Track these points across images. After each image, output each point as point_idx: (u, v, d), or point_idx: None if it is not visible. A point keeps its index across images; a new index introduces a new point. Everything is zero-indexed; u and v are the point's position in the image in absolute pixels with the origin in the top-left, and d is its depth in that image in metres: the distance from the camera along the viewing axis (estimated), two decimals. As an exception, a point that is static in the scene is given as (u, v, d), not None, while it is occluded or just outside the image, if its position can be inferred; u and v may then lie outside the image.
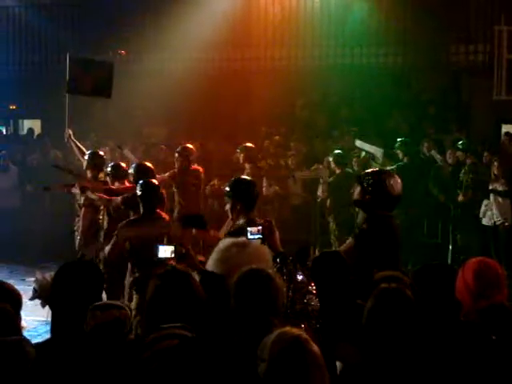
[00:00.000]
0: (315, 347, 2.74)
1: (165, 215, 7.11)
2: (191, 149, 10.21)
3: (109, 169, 9.10)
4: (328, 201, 10.96)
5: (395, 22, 13.33)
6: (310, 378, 2.65)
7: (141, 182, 7.06)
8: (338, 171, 10.94)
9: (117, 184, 8.81)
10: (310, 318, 3.86)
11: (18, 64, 16.07)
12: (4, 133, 17.28)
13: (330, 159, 11.12)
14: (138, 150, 13.50)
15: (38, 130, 16.80)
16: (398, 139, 11.25)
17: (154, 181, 7.23)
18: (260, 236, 4.93)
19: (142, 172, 7.97)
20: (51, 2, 16.39)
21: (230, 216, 5.74)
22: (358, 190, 5.43)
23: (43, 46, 15.98)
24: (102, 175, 9.44)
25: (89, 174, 9.25)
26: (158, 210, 6.97)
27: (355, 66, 13.80)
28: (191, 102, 13.74)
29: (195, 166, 10.31)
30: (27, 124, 17.71)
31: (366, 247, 5.08)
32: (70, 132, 9.85)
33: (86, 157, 9.41)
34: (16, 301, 3.56)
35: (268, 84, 13.73)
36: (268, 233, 5.16)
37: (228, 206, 5.77)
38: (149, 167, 8.19)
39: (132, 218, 7.10)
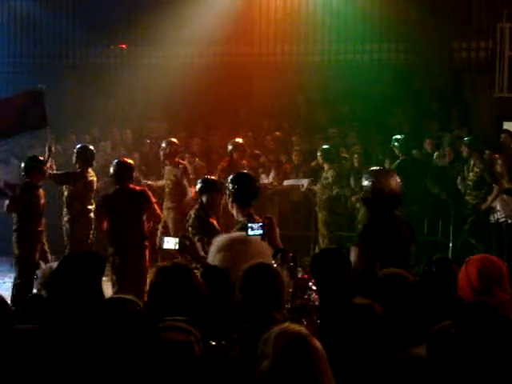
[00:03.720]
0: (318, 343, 2.74)
1: None
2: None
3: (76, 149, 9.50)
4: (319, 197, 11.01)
5: (398, 19, 13.30)
6: (314, 373, 2.65)
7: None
8: (326, 167, 10.92)
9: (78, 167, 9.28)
10: (310, 314, 3.85)
11: (20, 57, 16.05)
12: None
13: (318, 154, 11.06)
14: (139, 144, 13.53)
15: (38, 123, 16.79)
16: (394, 137, 11.21)
17: None
18: (260, 232, 4.93)
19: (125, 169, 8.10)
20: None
21: (233, 212, 5.76)
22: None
23: (44, 39, 15.96)
24: (90, 170, 9.51)
25: (78, 167, 9.41)
26: None
27: (357, 62, 13.79)
28: (192, 96, 13.73)
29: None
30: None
31: (367, 244, 5.08)
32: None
33: (76, 150, 9.54)
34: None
35: (269, 79, 13.72)
36: (268, 229, 5.17)
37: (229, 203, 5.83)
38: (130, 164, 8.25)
39: None
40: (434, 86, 13.58)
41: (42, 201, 8.69)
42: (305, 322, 3.71)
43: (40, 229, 8.66)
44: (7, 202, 8.67)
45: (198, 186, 6.78)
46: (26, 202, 8.48)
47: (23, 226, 8.48)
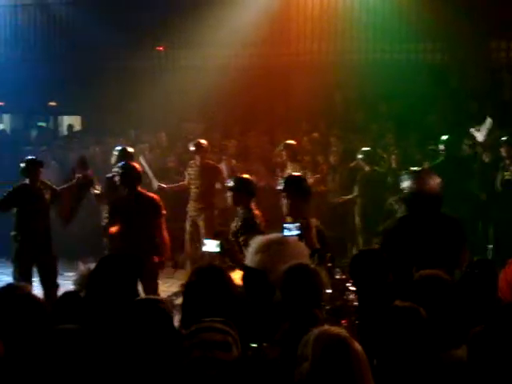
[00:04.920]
0: (357, 345, 2.72)
1: None
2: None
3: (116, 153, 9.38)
4: (358, 198, 10.98)
5: (434, 18, 13.18)
6: (354, 375, 2.63)
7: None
8: (367, 168, 10.91)
9: None
10: (349, 315, 3.84)
11: (57, 61, 16.24)
12: (44, 129, 17.51)
13: (359, 156, 11.08)
14: (175, 146, 13.60)
15: (77, 126, 16.98)
16: (442, 137, 11.11)
17: None
18: (298, 232, 4.94)
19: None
20: (90, -1, 16.59)
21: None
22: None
23: (82, 43, 16.12)
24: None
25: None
26: None
27: (394, 62, 13.71)
28: (229, 97, 13.76)
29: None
30: (67, 120, 17.92)
31: (391, 245, 5.04)
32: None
33: (115, 152, 9.50)
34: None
35: (306, 79, 13.68)
36: (304, 230, 5.16)
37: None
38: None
39: None
40: (471, 85, 13.44)
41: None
42: (344, 324, 3.69)
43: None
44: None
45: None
46: None
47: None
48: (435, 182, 5.29)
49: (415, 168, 5.96)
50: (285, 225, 5.11)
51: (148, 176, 10.72)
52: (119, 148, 9.67)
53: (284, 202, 5.80)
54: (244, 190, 6.60)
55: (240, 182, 6.79)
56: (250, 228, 6.09)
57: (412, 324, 3.05)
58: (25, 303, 3.33)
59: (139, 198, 7.92)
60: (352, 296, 4.04)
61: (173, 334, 3.18)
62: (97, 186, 9.11)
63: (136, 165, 8.29)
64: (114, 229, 7.87)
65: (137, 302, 3.32)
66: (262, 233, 5.36)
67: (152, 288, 7.55)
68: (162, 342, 3.11)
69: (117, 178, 8.07)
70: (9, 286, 3.61)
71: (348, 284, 4.13)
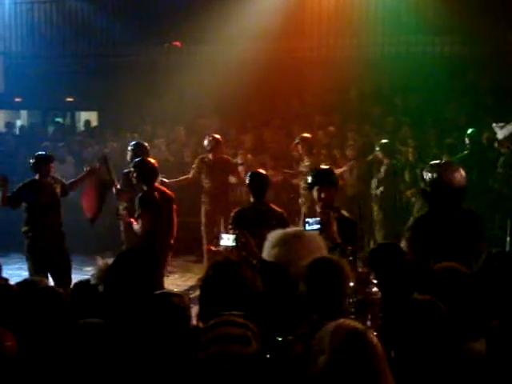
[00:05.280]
0: (374, 338, 2.72)
1: None
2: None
3: (130, 147, 9.36)
4: (375, 191, 10.97)
5: (451, 11, 13.10)
6: (372, 368, 2.63)
7: None
8: (385, 161, 10.88)
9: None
10: (373, 308, 3.83)
11: (74, 57, 16.31)
12: (61, 124, 17.60)
13: (377, 149, 11.05)
14: (191, 141, 13.63)
15: (94, 122, 17.05)
16: (468, 131, 11.05)
17: None
18: (318, 226, 4.95)
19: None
20: (107, -6, 16.63)
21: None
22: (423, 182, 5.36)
23: (99, 38, 16.18)
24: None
25: None
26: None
27: (410, 55, 13.64)
28: (244, 92, 13.75)
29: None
30: (84, 116, 18.01)
31: (417, 238, 5.00)
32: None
33: (131, 147, 9.50)
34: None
35: (321, 73, 13.65)
36: (325, 223, 5.16)
37: None
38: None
39: None
40: (489, 78, 13.35)
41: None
42: (369, 317, 3.69)
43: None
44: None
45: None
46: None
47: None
48: (461, 175, 5.22)
49: (438, 161, 5.87)
50: (306, 219, 5.13)
51: None
52: (134, 143, 9.70)
53: (314, 194, 5.79)
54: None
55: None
56: None
57: (431, 318, 3.05)
58: (47, 296, 3.35)
59: (157, 192, 7.98)
60: (375, 289, 4.02)
61: (188, 328, 3.20)
62: (116, 183, 9.14)
63: (151, 160, 8.28)
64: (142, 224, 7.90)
65: (152, 296, 3.33)
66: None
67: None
68: (176, 336, 3.13)
69: (133, 175, 8.09)
70: (26, 280, 3.64)
71: (371, 277, 4.13)
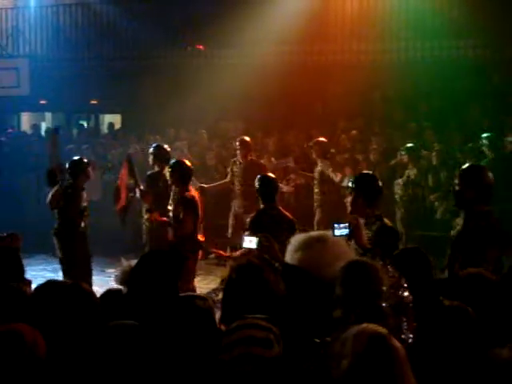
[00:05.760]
0: (397, 343, 2.71)
1: None
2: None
3: (151, 150, 9.47)
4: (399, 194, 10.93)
5: (474, 14, 13.02)
6: (395, 373, 2.62)
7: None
8: (410, 165, 10.86)
9: (156, 167, 9.23)
10: (406, 312, 3.81)
11: (98, 59, 16.42)
12: (86, 127, 17.73)
13: (403, 153, 11.03)
14: (213, 144, 13.67)
15: (117, 124, 17.15)
16: (484, 134, 10.98)
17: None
18: (347, 232, 4.93)
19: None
20: (130, -2, 16.73)
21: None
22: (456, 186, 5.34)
23: (123, 41, 16.28)
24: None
25: (156, 167, 9.41)
26: None
27: (434, 59, 13.59)
28: (267, 96, 13.77)
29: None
30: (108, 119, 18.12)
31: (469, 245, 4.99)
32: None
33: (152, 150, 9.57)
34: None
35: (345, 77, 13.62)
36: (354, 229, 5.13)
37: None
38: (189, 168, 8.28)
39: None
40: (514, 81, 13.26)
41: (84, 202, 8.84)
42: (404, 319, 3.67)
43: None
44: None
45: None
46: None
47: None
48: (490, 178, 5.26)
49: (469, 164, 5.89)
50: (334, 224, 5.09)
51: None
52: (154, 146, 9.78)
53: (349, 199, 5.76)
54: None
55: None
56: None
57: (461, 324, 3.04)
58: (77, 295, 3.35)
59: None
60: (406, 293, 4.00)
61: (212, 331, 3.20)
62: (139, 184, 9.21)
63: (186, 163, 8.37)
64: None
65: (176, 299, 3.35)
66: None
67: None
68: (201, 339, 3.13)
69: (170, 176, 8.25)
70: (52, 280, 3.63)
71: (402, 281, 4.10)
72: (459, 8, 13.26)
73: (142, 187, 9.08)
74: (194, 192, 8.26)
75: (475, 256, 4.81)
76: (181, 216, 7.95)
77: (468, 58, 13.44)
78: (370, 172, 6.38)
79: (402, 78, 13.33)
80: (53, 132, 9.63)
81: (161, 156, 9.42)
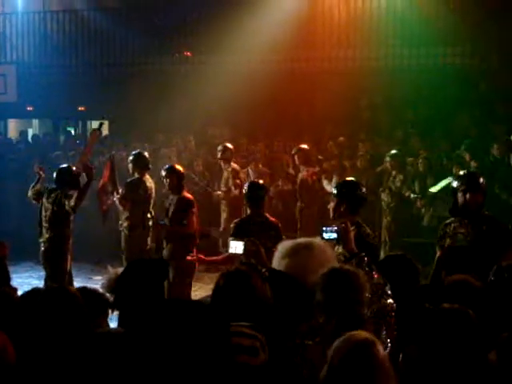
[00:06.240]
0: (382, 350, 2.71)
1: None
2: None
3: (131, 157, 9.53)
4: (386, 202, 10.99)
5: (462, 22, 13.09)
6: (375, 380, 2.61)
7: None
8: (394, 172, 10.93)
9: (136, 174, 9.31)
10: (388, 319, 3.81)
11: (86, 66, 16.38)
12: (73, 134, 17.66)
13: (387, 160, 11.08)
14: (201, 150, 13.66)
15: (105, 131, 17.09)
16: (465, 141, 11.06)
17: None
18: (335, 236, 4.93)
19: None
20: (118, 5, 16.70)
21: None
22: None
23: (110, 48, 16.25)
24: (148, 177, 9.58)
25: (136, 174, 9.42)
26: None
27: (421, 67, 13.64)
28: (255, 102, 13.77)
29: None
30: (95, 125, 18.03)
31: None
32: None
33: (131, 157, 9.57)
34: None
35: (332, 84, 13.66)
36: (343, 233, 5.12)
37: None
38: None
39: None
40: (501, 89, 13.32)
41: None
42: (384, 327, 3.68)
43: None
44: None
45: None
46: None
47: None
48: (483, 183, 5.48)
49: (464, 171, 6.04)
50: (323, 227, 5.09)
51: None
52: (134, 153, 9.77)
53: (331, 205, 5.79)
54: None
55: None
56: None
57: (464, 326, 3.03)
58: (61, 297, 3.33)
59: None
60: (390, 300, 4.01)
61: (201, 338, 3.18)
62: (120, 190, 9.22)
63: (180, 168, 8.59)
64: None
65: (164, 304, 3.34)
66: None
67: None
68: (188, 346, 3.12)
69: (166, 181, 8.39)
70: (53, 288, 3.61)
71: (386, 288, 4.11)
72: (446, 16, 13.31)
73: (119, 191, 9.13)
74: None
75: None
76: (183, 220, 8.15)
77: (455, 65, 13.50)
78: (354, 179, 6.34)
79: (389, 85, 13.39)
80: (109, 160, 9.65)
81: (141, 163, 9.44)
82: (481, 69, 13.40)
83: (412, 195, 10.87)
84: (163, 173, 8.51)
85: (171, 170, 8.45)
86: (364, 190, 5.82)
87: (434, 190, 10.70)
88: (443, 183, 10.61)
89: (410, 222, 11.06)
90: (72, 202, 8.38)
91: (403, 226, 10.97)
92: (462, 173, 5.97)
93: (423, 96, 13.44)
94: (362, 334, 2.78)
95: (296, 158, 10.88)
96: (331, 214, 5.77)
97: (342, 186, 5.83)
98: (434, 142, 12.49)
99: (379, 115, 13.93)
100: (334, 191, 5.78)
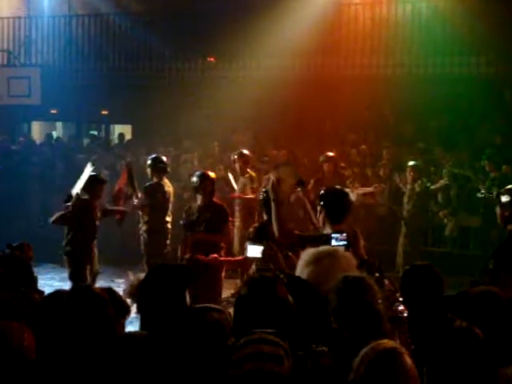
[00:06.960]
0: (409, 360, 2.69)
1: None
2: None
3: (148, 162, 9.50)
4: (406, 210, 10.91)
5: (487, 31, 13.02)
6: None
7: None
8: (414, 182, 10.86)
9: (155, 179, 9.26)
10: (400, 326, 3.79)
11: (110, 70, 16.48)
12: (97, 136, 17.77)
13: (408, 169, 11.02)
14: (225, 156, 13.67)
15: (128, 135, 17.19)
16: (486, 151, 11.00)
17: None
18: (345, 243, 4.90)
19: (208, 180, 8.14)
20: (143, 10, 16.79)
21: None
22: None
23: (135, 52, 16.34)
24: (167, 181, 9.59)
25: (154, 179, 9.42)
26: None
27: (446, 76, 13.58)
28: (278, 109, 13.78)
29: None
30: (118, 129, 18.15)
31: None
32: None
33: (149, 162, 9.58)
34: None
35: (356, 92, 13.63)
36: (352, 240, 5.10)
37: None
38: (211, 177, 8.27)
39: None
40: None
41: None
42: (397, 335, 3.65)
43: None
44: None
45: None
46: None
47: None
48: None
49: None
50: (332, 235, 5.05)
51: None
52: (152, 157, 9.76)
53: (319, 214, 5.56)
54: None
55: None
56: None
57: (469, 346, 3.01)
58: (96, 301, 3.33)
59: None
60: (401, 307, 3.99)
61: (222, 346, 3.18)
62: (137, 192, 9.26)
63: (211, 173, 8.35)
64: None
65: (191, 310, 3.33)
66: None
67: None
68: (209, 354, 3.11)
69: (194, 185, 8.20)
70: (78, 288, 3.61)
71: (397, 295, 4.08)
72: (471, 24, 13.24)
73: (139, 196, 9.15)
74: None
75: None
76: (222, 228, 7.97)
77: (480, 75, 13.43)
78: (340, 187, 6.12)
79: (413, 93, 13.33)
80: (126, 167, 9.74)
81: (159, 167, 9.44)
82: (505, 78, 13.31)
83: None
84: (195, 179, 8.18)
85: (200, 177, 8.16)
86: (349, 199, 5.59)
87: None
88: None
89: (432, 231, 11.01)
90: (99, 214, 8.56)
91: (424, 235, 10.92)
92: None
93: (447, 105, 13.37)
94: (390, 342, 2.76)
95: (325, 166, 10.76)
96: (320, 224, 5.65)
97: (323, 195, 5.60)
98: (457, 151, 12.42)
99: (402, 123, 13.88)
100: (320, 200, 5.60)
